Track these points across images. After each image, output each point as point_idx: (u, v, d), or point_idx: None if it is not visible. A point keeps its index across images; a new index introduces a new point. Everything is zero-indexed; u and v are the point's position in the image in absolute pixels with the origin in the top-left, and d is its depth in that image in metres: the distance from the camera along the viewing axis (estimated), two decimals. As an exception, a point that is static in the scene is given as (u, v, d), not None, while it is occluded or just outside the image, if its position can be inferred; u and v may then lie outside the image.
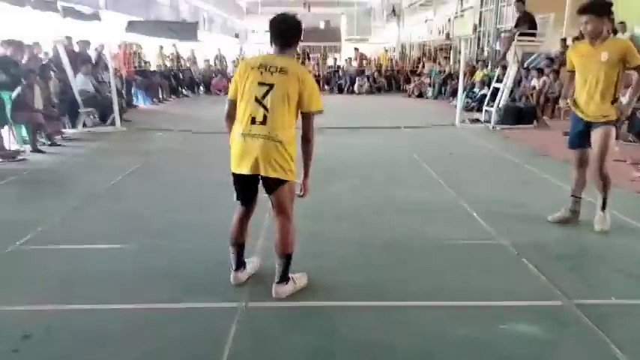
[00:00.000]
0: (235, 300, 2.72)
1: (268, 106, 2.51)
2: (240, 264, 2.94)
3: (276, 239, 2.76)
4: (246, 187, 2.72)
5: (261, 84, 2.52)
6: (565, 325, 2.51)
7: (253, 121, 2.52)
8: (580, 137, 3.79)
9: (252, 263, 3.04)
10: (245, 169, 2.58)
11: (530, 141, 7.41)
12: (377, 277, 3.02)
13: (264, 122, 2.51)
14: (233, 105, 2.65)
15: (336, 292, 2.84)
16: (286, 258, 2.75)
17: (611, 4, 3.72)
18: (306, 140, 2.68)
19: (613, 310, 2.66)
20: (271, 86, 2.51)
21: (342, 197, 4.71)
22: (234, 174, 2.68)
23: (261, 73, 2.54)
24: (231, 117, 2.67)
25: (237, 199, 2.81)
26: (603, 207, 3.78)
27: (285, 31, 2.63)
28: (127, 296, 2.78)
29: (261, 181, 2.67)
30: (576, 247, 3.51)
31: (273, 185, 2.64)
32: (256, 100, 2.52)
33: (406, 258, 3.31)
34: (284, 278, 2.77)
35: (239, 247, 2.89)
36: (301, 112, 2.61)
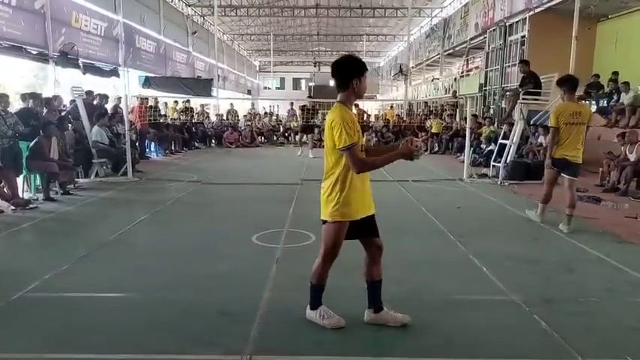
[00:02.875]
0: (238, 353, 2.66)
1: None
2: (371, 303, 2.99)
3: None
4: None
5: None
6: (581, 386, 2.41)
7: None
8: None
9: (392, 314, 2.99)
10: None
11: (539, 197, 7.35)
12: (385, 331, 2.95)
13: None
14: None
15: (344, 346, 2.77)
16: (310, 284, 2.99)
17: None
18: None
19: (630, 371, 2.56)
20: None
21: (349, 248, 4.66)
22: None
23: None
24: None
25: None
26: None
27: (334, 75, 2.82)
28: (129, 347, 2.73)
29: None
30: (590, 304, 3.41)
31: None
32: None
33: (415, 313, 3.23)
34: (310, 302, 3.00)
35: (367, 285, 3.01)
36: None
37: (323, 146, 2.91)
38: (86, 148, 8.80)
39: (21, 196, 6.62)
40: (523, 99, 8.68)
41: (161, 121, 14.02)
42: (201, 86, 15.63)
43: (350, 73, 2.77)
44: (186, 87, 14.94)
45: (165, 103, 16.06)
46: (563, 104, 5.32)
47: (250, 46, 41.34)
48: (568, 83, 5.36)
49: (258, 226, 5.33)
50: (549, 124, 5.38)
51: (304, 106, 15.13)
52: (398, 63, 28.88)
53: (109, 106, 11.33)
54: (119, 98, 11.86)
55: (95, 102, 10.49)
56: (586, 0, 12.08)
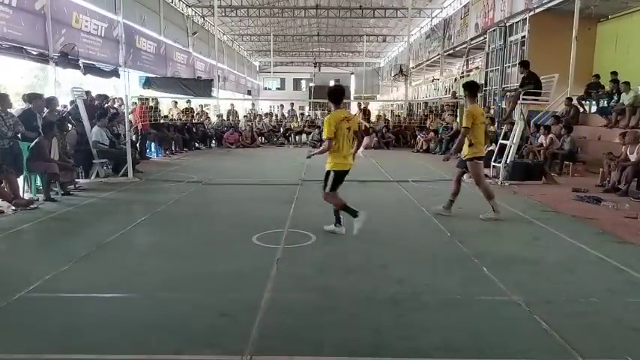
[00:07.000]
0: (239, 353, 2.66)
1: None
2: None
3: None
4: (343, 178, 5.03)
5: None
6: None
7: None
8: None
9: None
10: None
11: (539, 197, 7.38)
12: (385, 331, 2.95)
13: None
14: None
15: (344, 347, 2.77)
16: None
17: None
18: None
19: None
20: None
21: (350, 249, 4.68)
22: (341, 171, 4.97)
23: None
24: None
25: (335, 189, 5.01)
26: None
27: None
28: (129, 347, 2.74)
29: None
30: (590, 304, 3.41)
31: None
32: None
33: (415, 313, 3.24)
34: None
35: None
36: None
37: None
38: (87, 149, 8.80)
39: (21, 196, 6.62)
40: (523, 99, 8.68)
41: (162, 121, 14.04)
42: (202, 87, 15.62)
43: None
44: (186, 87, 14.93)
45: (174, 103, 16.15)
46: (475, 107, 5.96)
47: (250, 47, 41.34)
48: (469, 88, 6.02)
49: (258, 226, 5.33)
50: (464, 125, 5.84)
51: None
52: (398, 63, 28.87)
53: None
54: (113, 99, 11.88)
55: (96, 102, 10.51)
56: (586, 0, 12.09)
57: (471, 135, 5.78)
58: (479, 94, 17.45)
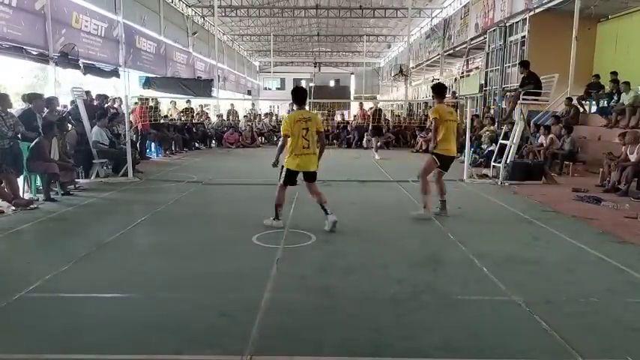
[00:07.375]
0: (239, 353, 2.66)
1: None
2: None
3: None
4: (295, 178, 5.24)
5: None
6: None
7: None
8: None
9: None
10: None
11: (539, 197, 7.38)
12: (385, 331, 2.95)
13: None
14: None
15: (344, 347, 2.77)
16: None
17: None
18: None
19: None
20: None
21: (350, 250, 4.68)
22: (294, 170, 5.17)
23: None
24: None
25: (288, 184, 5.28)
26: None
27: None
28: (129, 347, 2.74)
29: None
30: (590, 304, 3.41)
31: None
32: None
33: (415, 313, 3.24)
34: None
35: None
36: None
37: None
38: (87, 149, 8.80)
39: (21, 196, 6.62)
40: (523, 99, 8.68)
41: (162, 121, 14.04)
42: (202, 87, 15.64)
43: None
44: (186, 87, 14.96)
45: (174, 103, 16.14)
46: (441, 105, 6.18)
47: (250, 47, 41.33)
48: (435, 90, 6.34)
49: (258, 226, 5.33)
50: (432, 117, 6.12)
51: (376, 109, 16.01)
52: (398, 63, 28.86)
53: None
54: (113, 99, 11.88)
55: (96, 102, 10.51)
56: (586, 0, 12.09)
57: (438, 132, 6.04)
58: (480, 95, 17.59)
